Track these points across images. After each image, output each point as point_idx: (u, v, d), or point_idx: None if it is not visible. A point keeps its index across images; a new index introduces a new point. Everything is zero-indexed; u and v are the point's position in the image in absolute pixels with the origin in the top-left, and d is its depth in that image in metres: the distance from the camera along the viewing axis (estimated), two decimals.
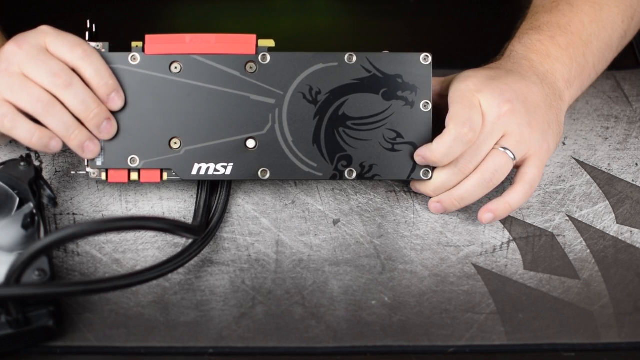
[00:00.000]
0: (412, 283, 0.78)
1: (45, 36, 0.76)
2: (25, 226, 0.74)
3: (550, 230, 0.82)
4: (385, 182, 0.84)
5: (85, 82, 0.76)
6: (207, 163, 0.79)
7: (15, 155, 0.82)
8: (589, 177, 0.86)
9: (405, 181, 0.84)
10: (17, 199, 0.75)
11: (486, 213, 0.80)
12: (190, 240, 0.77)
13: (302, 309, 0.76)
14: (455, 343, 0.74)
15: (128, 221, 0.70)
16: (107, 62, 0.77)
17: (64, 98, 0.75)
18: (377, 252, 0.80)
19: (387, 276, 0.78)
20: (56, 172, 0.83)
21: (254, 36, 0.79)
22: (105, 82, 0.76)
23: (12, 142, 0.84)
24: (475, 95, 0.78)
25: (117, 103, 0.77)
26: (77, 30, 0.78)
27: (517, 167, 0.80)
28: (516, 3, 1.00)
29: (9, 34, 0.80)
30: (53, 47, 0.76)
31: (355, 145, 0.80)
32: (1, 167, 0.77)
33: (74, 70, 0.76)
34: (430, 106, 0.80)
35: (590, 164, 0.87)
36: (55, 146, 0.76)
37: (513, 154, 0.78)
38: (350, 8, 1.04)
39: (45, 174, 0.82)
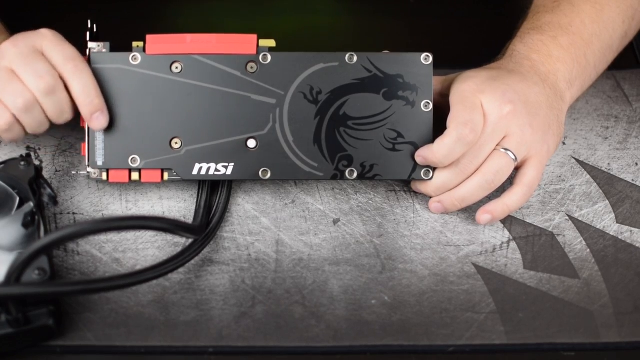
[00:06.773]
0: (412, 282, 0.78)
1: (44, 40, 0.76)
2: (25, 225, 0.74)
3: (550, 229, 0.82)
4: (386, 181, 0.84)
5: (72, 97, 0.76)
6: (207, 163, 0.79)
7: (15, 154, 0.82)
8: (588, 176, 0.86)
9: (406, 181, 0.84)
10: (17, 198, 0.75)
11: (484, 214, 0.80)
12: (190, 240, 0.77)
13: (302, 309, 0.76)
14: (455, 342, 0.74)
15: (128, 221, 0.70)
16: (108, 62, 0.77)
17: (43, 103, 0.75)
18: (377, 251, 0.80)
19: (387, 275, 0.78)
20: (56, 171, 0.83)
21: (254, 36, 0.79)
22: (91, 100, 0.76)
23: (12, 142, 0.84)
24: (477, 96, 0.78)
25: (101, 123, 0.76)
26: (77, 30, 0.78)
27: (516, 169, 0.80)
28: (516, 3, 1.00)
29: (10, 34, 0.80)
30: (48, 53, 0.75)
31: (356, 145, 0.80)
32: (1, 166, 0.77)
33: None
34: (431, 106, 0.80)
35: (590, 164, 0.87)
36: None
37: (514, 155, 0.78)
38: (350, 8, 1.04)
39: (46, 174, 0.82)
